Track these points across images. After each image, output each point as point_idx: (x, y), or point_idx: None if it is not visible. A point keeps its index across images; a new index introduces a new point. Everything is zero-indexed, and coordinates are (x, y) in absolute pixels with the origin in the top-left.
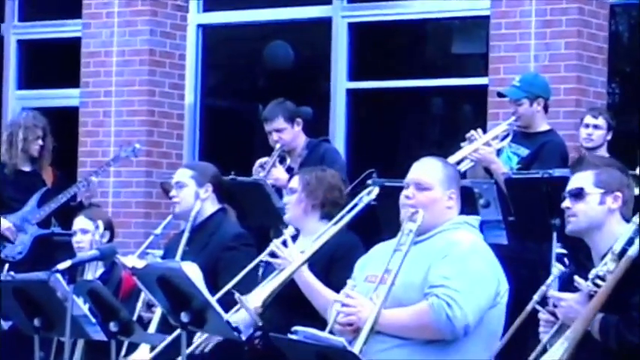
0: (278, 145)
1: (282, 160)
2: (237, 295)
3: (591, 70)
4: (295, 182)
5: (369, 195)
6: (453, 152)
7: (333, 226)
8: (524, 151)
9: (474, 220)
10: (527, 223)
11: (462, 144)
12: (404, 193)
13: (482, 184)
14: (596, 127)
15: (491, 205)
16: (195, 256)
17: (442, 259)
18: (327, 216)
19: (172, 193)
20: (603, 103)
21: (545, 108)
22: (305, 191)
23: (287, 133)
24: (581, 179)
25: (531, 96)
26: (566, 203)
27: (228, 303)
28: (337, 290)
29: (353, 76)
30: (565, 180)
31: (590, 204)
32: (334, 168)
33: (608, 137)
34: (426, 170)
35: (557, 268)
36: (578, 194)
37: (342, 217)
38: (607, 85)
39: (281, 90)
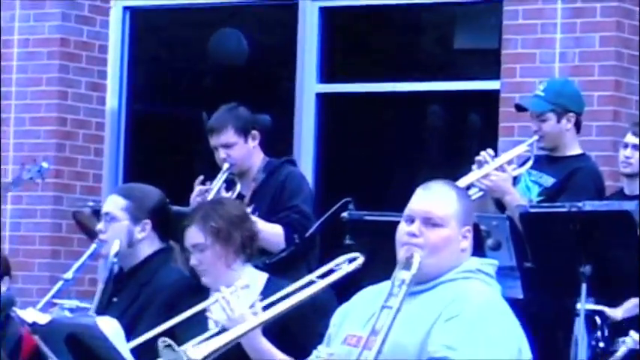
0: (226, 165)
1: (230, 185)
2: (167, 341)
3: (634, 73)
4: (197, 236)
5: (350, 264)
6: (452, 177)
7: (299, 293)
8: (549, 180)
9: (490, 266)
10: (550, 271)
11: (473, 167)
12: (407, 229)
13: (492, 220)
14: (636, 147)
15: (502, 247)
16: (121, 312)
17: (447, 321)
18: (250, 256)
19: (100, 226)
20: None
21: (577, 125)
22: (219, 241)
23: (238, 149)
24: None
25: (559, 109)
26: None
27: None
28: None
29: (325, 76)
30: (598, 215)
31: None
32: (299, 198)
33: None
34: (439, 201)
35: (631, 339)
36: None
37: (310, 283)
38: None
39: (232, 93)
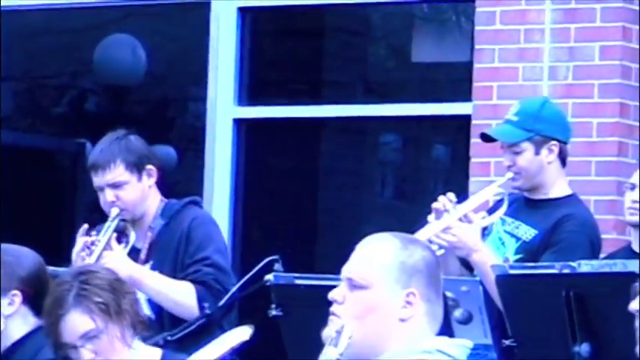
0: (115, 210)
1: (121, 236)
2: None
3: None
4: (83, 323)
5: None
6: (409, 228)
7: None
8: (529, 232)
9: (457, 347)
10: (535, 350)
11: (429, 218)
12: (331, 294)
13: (461, 285)
14: None
15: (474, 320)
16: None
17: None
18: (143, 325)
19: None
20: None
21: (563, 157)
22: (112, 318)
23: (130, 189)
24: None
25: (538, 137)
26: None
27: None
28: None
29: (245, 97)
30: (598, 279)
31: None
32: (209, 248)
33: None
34: (364, 256)
35: None
36: None
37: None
38: None
39: (123, 118)
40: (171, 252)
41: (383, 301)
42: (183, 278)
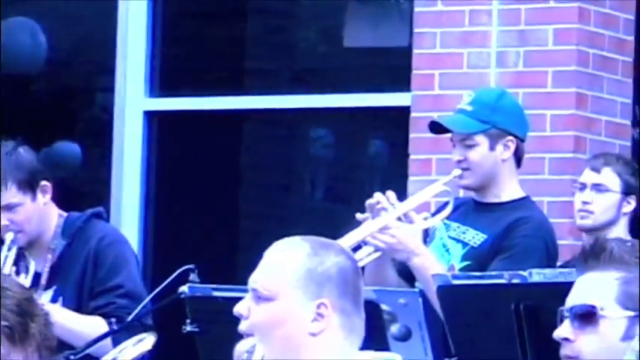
0: (10, 236)
1: (19, 262)
2: None
3: (604, 83)
4: None
5: (137, 345)
6: (340, 229)
7: None
8: (477, 237)
9: None
10: None
11: (359, 216)
12: (236, 308)
13: (398, 296)
14: (598, 188)
15: (412, 336)
16: None
17: None
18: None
19: None
20: (626, 144)
21: (518, 157)
22: (15, 344)
23: (24, 211)
24: (596, 290)
25: (493, 130)
26: (564, 331)
27: None
28: None
29: (157, 87)
30: (551, 289)
31: (608, 335)
32: (122, 274)
33: (627, 208)
34: (270, 264)
35: None
36: (588, 315)
37: None
38: (633, 112)
39: (22, 111)
40: (76, 275)
41: (291, 314)
42: (93, 310)
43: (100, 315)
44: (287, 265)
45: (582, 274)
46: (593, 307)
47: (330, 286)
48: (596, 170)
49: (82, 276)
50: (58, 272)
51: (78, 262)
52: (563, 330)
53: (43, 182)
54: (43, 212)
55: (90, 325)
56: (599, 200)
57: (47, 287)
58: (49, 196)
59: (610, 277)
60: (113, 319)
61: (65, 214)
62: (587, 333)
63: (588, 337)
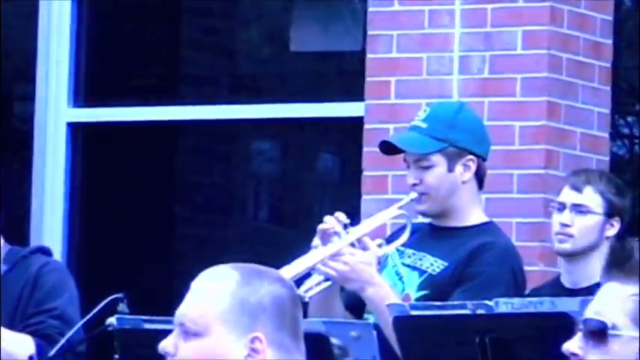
0: None
1: None
2: None
3: (580, 90)
4: None
5: None
6: (289, 257)
7: None
8: (435, 264)
9: None
10: None
11: (313, 243)
12: (162, 345)
13: (349, 329)
14: (579, 209)
15: None
16: None
17: None
18: None
19: None
20: (603, 159)
21: (480, 177)
22: None
23: None
24: (611, 304)
25: (451, 149)
26: (573, 345)
27: None
28: None
29: (82, 96)
30: (520, 320)
31: (619, 356)
32: (61, 298)
33: (610, 232)
34: (199, 294)
35: None
36: (599, 332)
37: None
38: (611, 123)
39: None
40: (12, 299)
41: (222, 351)
42: (23, 328)
43: (28, 333)
44: (215, 296)
45: (606, 282)
46: (604, 323)
47: (265, 318)
48: (577, 189)
49: (17, 300)
50: None
51: (15, 287)
52: (573, 344)
53: None
54: None
55: (15, 341)
56: (579, 222)
57: None
58: None
59: (628, 292)
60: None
61: (9, 246)
62: (596, 351)
63: (597, 355)
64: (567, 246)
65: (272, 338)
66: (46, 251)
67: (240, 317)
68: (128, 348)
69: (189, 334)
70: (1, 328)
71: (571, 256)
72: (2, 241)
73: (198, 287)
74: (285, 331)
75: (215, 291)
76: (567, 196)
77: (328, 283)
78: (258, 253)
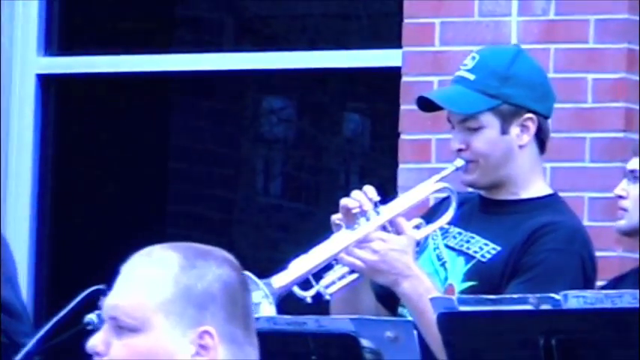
0: None
1: None
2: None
3: None
4: None
5: None
6: (307, 240)
7: None
8: (487, 248)
9: None
10: None
11: (335, 218)
12: (90, 343)
13: (384, 328)
14: (634, 176)
15: None
16: None
17: None
18: None
19: None
20: None
21: (541, 139)
22: None
23: None
24: None
25: (505, 107)
26: None
27: None
28: None
29: (54, 43)
30: (592, 318)
31: None
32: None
33: None
34: (134, 281)
35: None
36: None
37: None
38: None
39: None
40: None
41: (164, 350)
42: None
43: None
44: (155, 283)
45: None
46: None
47: (214, 309)
48: (635, 152)
49: None
50: None
51: None
52: None
53: None
54: None
55: None
56: (633, 192)
57: None
58: None
59: None
60: None
61: None
62: None
63: None
64: (622, 223)
65: (223, 332)
66: None
67: (186, 308)
68: None
69: (123, 329)
70: None
71: (629, 235)
72: None
73: (132, 272)
74: (237, 322)
75: (154, 277)
76: (631, 163)
77: (354, 276)
78: (268, 236)
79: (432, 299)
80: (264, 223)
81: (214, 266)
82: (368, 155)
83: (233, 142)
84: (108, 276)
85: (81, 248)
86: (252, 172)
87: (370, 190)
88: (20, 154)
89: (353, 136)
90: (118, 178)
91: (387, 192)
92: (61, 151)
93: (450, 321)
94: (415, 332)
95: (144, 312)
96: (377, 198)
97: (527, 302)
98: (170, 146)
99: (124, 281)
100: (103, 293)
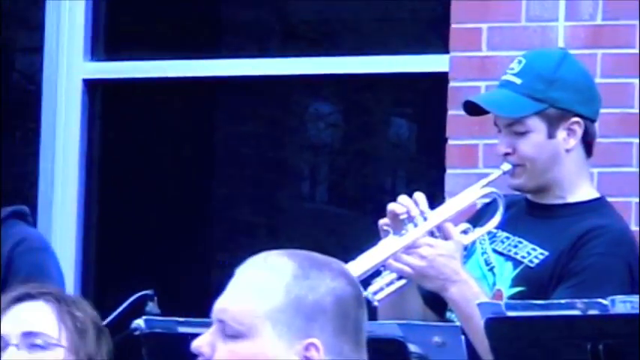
0: None
1: None
2: None
3: None
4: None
5: None
6: (352, 247)
7: None
8: (534, 253)
9: None
10: None
11: (383, 223)
12: (195, 344)
13: (432, 333)
14: None
15: None
16: None
17: None
18: None
19: None
20: None
21: (588, 143)
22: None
23: None
24: None
25: (552, 111)
26: None
27: None
28: None
29: (101, 48)
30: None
31: None
32: None
33: None
34: (244, 287)
35: None
36: None
37: None
38: None
39: None
40: None
41: (267, 358)
42: None
43: None
44: (266, 290)
45: None
46: None
47: (324, 321)
48: None
49: None
50: None
51: None
52: None
53: None
54: None
55: None
56: None
57: None
58: None
59: None
60: None
61: None
62: None
63: None
64: None
65: (330, 345)
66: (22, 215)
67: (295, 318)
68: (159, 355)
69: (229, 333)
70: None
71: None
72: None
73: (244, 277)
74: (346, 336)
75: (266, 284)
76: None
77: (402, 282)
78: (314, 241)
79: (479, 304)
80: (310, 229)
81: (329, 278)
82: (414, 160)
83: (279, 146)
84: (154, 280)
85: (127, 252)
86: (299, 177)
87: (420, 198)
88: (66, 159)
89: (400, 141)
90: (164, 183)
91: (434, 197)
92: (107, 155)
93: (497, 326)
94: (462, 337)
95: (252, 318)
96: (426, 208)
97: (574, 307)
98: (216, 151)
99: (235, 285)
100: (151, 298)
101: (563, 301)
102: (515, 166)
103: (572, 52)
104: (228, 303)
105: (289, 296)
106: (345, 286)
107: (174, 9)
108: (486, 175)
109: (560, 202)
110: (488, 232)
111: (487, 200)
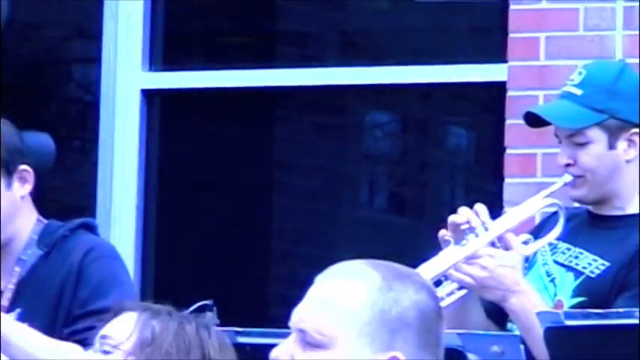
0: None
1: None
2: None
3: None
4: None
5: None
6: (410, 257)
7: None
8: (595, 264)
9: None
10: None
11: (444, 234)
12: (274, 354)
13: (491, 342)
14: None
15: None
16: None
17: None
18: None
19: None
20: None
21: None
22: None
23: None
24: None
25: (612, 122)
26: None
27: None
28: None
29: (159, 58)
30: None
31: None
32: (111, 295)
33: None
34: (327, 297)
35: None
36: None
37: None
38: None
39: None
40: (51, 296)
41: None
42: (69, 336)
43: (75, 342)
44: (350, 302)
45: None
46: None
47: (407, 334)
48: None
49: (58, 297)
50: (26, 291)
51: (55, 280)
52: None
53: (23, 167)
54: (18, 207)
55: (60, 353)
56: None
57: (9, 310)
58: (29, 187)
59: None
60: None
61: (45, 220)
62: None
63: None
64: None
65: (413, 358)
66: (90, 227)
67: (378, 330)
68: None
69: (310, 344)
70: (48, 338)
71: None
72: (36, 215)
73: (326, 286)
74: (428, 350)
75: (350, 295)
76: None
77: (463, 292)
78: (373, 251)
79: (538, 314)
80: (369, 238)
81: (412, 291)
82: (472, 170)
83: (337, 156)
84: (213, 290)
85: (185, 261)
86: (357, 186)
87: (481, 209)
88: (125, 168)
89: (457, 150)
90: (222, 193)
91: (493, 206)
92: (165, 166)
93: (556, 335)
94: (522, 347)
95: (334, 329)
96: (487, 219)
97: (633, 316)
98: (274, 161)
99: (317, 294)
100: (210, 309)
101: (621, 310)
102: (576, 177)
103: (630, 60)
104: (309, 313)
105: (373, 309)
106: (428, 300)
107: (232, 20)
108: (545, 184)
109: (620, 213)
110: (549, 244)
111: (547, 211)
